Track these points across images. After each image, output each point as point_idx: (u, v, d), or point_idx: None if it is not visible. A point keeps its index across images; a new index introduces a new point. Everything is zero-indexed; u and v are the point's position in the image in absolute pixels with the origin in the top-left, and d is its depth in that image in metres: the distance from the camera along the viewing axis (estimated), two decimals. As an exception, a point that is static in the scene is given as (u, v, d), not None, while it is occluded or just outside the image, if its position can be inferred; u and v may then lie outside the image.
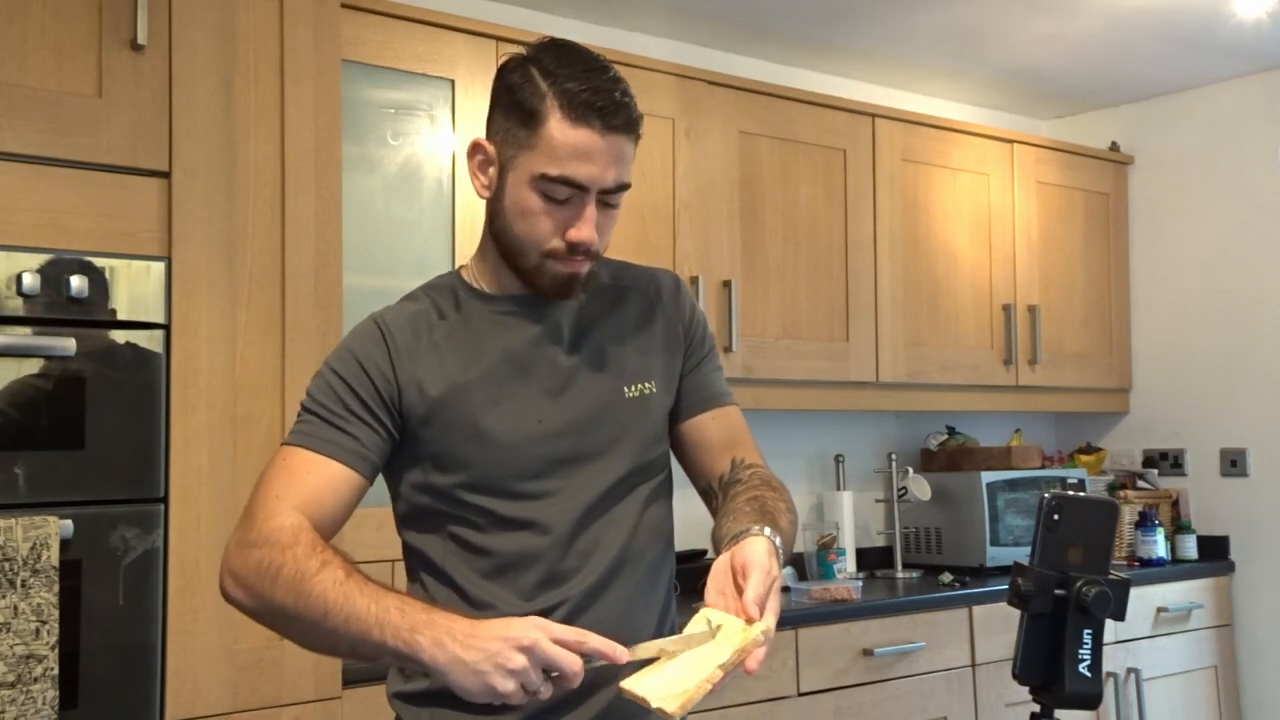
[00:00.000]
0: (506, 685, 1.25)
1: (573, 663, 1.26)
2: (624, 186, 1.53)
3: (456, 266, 1.71)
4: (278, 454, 1.52)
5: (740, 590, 1.36)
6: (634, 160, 1.55)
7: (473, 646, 1.27)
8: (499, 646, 1.26)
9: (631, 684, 1.30)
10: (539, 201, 1.51)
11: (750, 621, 1.33)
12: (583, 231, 1.51)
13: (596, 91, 1.48)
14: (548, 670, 1.26)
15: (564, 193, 1.50)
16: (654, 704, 1.27)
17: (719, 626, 1.34)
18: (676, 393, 1.67)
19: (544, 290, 1.57)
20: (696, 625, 1.35)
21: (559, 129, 1.48)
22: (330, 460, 1.49)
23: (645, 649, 1.33)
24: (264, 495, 1.47)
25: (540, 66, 1.51)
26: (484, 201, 1.59)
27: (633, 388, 1.61)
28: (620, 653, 1.29)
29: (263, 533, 1.42)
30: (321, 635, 1.36)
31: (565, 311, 1.61)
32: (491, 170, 1.55)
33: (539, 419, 1.55)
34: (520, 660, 1.25)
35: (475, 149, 1.57)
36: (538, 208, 1.51)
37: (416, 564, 1.60)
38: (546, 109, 1.48)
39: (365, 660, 1.39)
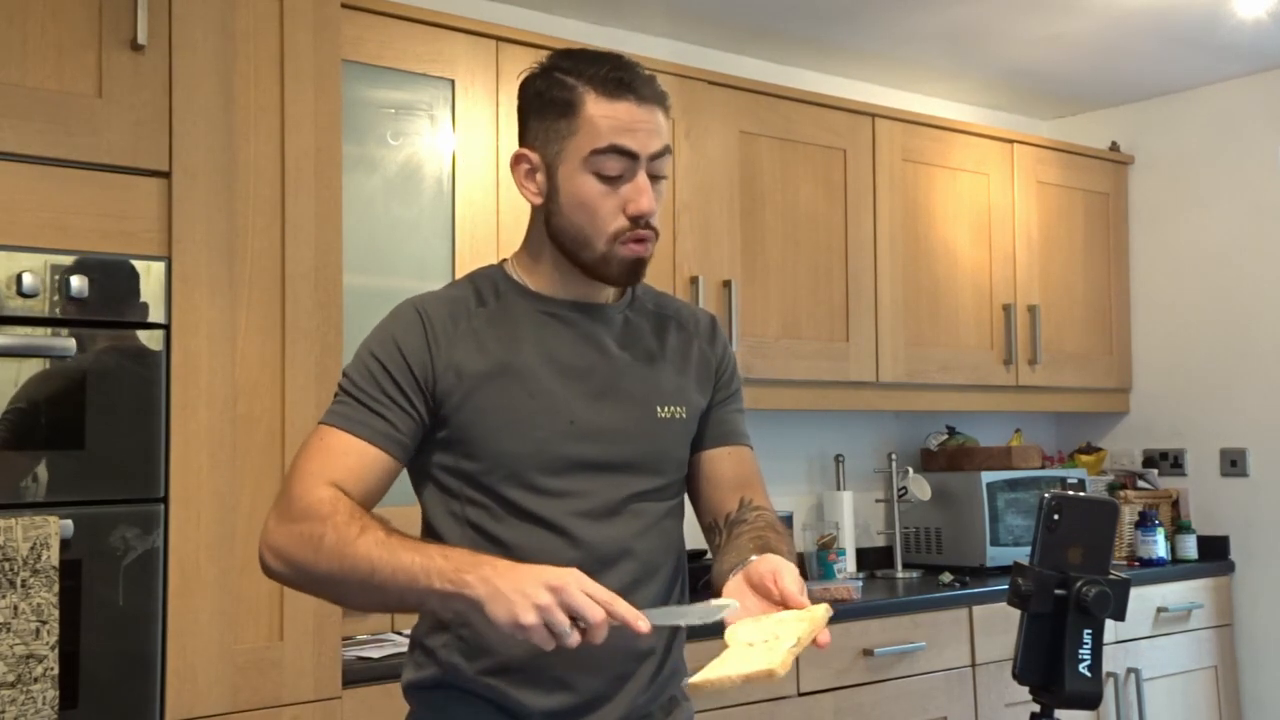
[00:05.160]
0: (529, 618, 1.30)
1: (596, 613, 1.30)
2: (668, 149, 1.60)
3: (499, 260, 1.73)
4: (314, 434, 1.56)
5: (768, 594, 1.41)
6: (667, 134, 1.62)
7: (510, 579, 1.34)
8: (532, 581, 1.32)
9: (705, 674, 1.32)
10: (594, 184, 1.56)
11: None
12: (642, 202, 1.56)
13: (620, 68, 1.57)
14: (575, 620, 1.31)
15: (616, 167, 1.55)
16: (756, 667, 1.29)
17: (729, 603, 1.40)
18: (698, 424, 1.71)
19: (612, 279, 1.61)
20: (729, 652, 1.36)
21: (597, 107, 1.55)
22: (366, 443, 1.53)
23: (658, 615, 1.40)
24: (301, 473, 1.51)
25: (559, 67, 1.59)
26: (533, 208, 1.64)
27: (665, 409, 1.65)
28: (644, 623, 1.33)
29: (301, 507, 1.47)
30: (368, 592, 1.43)
31: (609, 324, 1.66)
32: (539, 176, 1.60)
33: (571, 420, 1.59)
34: (547, 598, 1.30)
35: (519, 159, 1.62)
36: (595, 190, 1.56)
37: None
38: (580, 95, 1.56)
39: (408, 611, 1.48)
